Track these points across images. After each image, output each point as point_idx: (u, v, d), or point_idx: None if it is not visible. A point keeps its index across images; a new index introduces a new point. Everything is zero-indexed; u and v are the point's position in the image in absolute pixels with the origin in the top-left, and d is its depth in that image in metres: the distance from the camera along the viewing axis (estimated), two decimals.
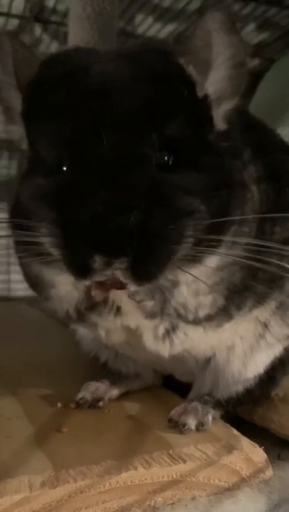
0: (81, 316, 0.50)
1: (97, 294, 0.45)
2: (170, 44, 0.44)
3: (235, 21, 0.43)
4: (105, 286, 0.43)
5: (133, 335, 0.50)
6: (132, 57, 0.43)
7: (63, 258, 0.39)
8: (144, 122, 0.39)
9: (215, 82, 0.44)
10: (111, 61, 0.42)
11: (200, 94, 0.43)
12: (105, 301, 0.48)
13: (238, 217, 0.43)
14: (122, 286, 0.42)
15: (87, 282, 0.43)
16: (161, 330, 0.50)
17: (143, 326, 0.50)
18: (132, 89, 0.40)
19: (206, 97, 0.44)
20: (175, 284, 0.45)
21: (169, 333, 0.50)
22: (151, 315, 0.48)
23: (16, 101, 0.45)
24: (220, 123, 0.45)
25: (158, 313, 0.47)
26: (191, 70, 0.43)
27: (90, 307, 0.49)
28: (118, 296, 0.46)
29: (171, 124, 0.40)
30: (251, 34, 1.23)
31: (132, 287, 0.42)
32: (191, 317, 0.47)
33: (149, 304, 0.46)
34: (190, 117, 0.42)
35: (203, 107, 0.43)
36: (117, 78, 0.41)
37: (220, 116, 0.45)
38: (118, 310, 0.48)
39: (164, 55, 0.43)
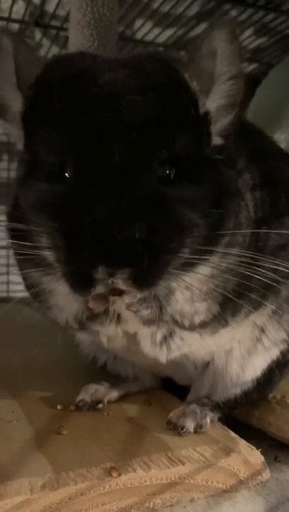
0: (82, 325, 0.51)
1: (95, 306, 0.45)
2: (175, 56, 0.43)
3: (239, 39, 0.43)
4: (103, 296, 0.44)
5: (132, 340, 0.51)
6: (140, 68, 0.43)
7: (63, 268, 0.39)
8: (153, 138, 0.40)
9: (215, 99, 0.44)
10: (118, 71, 0.43)
11: (202, 110, 0.43)
12: (106, 311, 0.48)
13: (230, 232, 0.44)
14: (120, 292, 0.42)
15: (84, 297, 0.43)
16: (158, 336, 0.50)
17: (141, 332, 0.50)
18: (141, 104, 0.40)
19: (206, 113, 0.44)
20: (170, 291, 0.46)
21: (166, 339, 0.51)
22: (148, 322, 0.48)
23: (15, 100, 0.45)
24: (216, 138, 0.45)
25: (155, 320, 0.48)
26: (194, 86, 0.43)
27: (90, 317, 0.49)
28: (118, 304, 0.47)
29: (177, 140, 0.41)
30: (249, 39, 1.24)
31: (128, 298, 0.42)
32: (186, 323, 0.48)
33: (146, 312, 0.47)
34: (193, 133, 0.42)
35: (203, 123, 0.44)
36: (125, 90, 0.41)
37: (216, 132, 0.45)
38: (119, 318, 0.49)
39: (171, 69, 0.43)
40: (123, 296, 0.43)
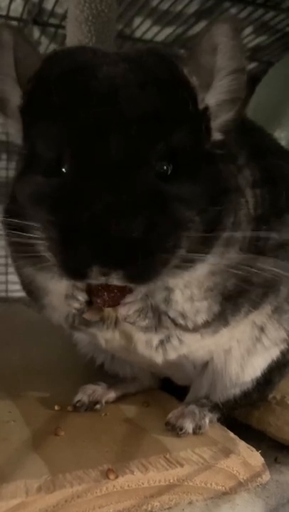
0: (73, 327, 0.50)
1: (90, 317, 0.45)
2: (175, 51, 0.43)
3: (241, 34, 0.43)
4: (99, 306, 0.44)
5: (130, 341, 0.50)
6: (139, 63, 0.43)
7: (58, 261, 0.38)
8: (151, 132, 0.39)
9: (216, 94, 0.43)
10: (117, 65, 0.42)
11: (201, 105, 0.43)
12: (102, 318, 0.47)
13: (228, 234, 0.43)
14: (115, 303, 0.42)
15: (80, 284, 0.43)
16: (155, 341, 0.50)
17: (138, 337, 0.50)
18: (140, 98, 0.40)
19: (206, 108, 0.43)
20: (169, 292, 0.46)
21: (163, 342, 0.50)
22: (146, 330, 0.48)
23: (14, 94, 0.44)
24: (216, 134, 0.45)
25: (153, 328, 0.47)
26: (194, 81, 0.42)
27: (85, 323, 0.48)
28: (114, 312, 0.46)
29: (175, 135, 0.40)
30: (248, 37, 1.24)
31: (124, 310, 0.43)
32: (190, 325, 0.47)
33: (143, 323, 0.46)
34: (192, 128, 0.42)
35: (203, 118, 0.43)
36: (125, 84, 0.40)
37: (217, 127, 0.45)
38: (116, 320, 0.48)
39: (171, 64, 0.43)
40: (118, 308, 0.44)
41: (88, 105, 0.39)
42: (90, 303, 0.45)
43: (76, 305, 0.45)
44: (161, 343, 0.50)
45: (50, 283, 0.46)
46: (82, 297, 0.45)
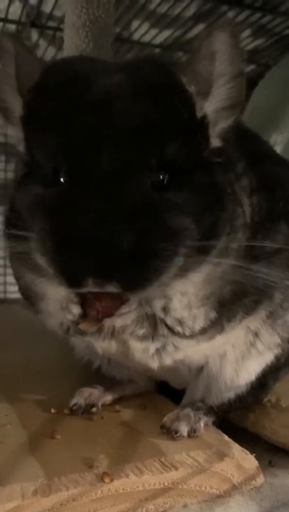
0: (68, 335, 0.51)
1: (87, 327, 0.45)
2: (173, 60, 0.43)
3: (239, 40, 0.43)
4: (95, 317, 0.44)
5: (127, 347, 0.51)
6: (136, 72, 0.43)
7: (55, 271, 0.39)
8: (144, 142, 0.40)
9: (214, 102, 0.44)
10: (114, 75, 0.42)
11: (199, 114, 0.43)
12: (100, 328, 0.47)
13: (224, 239, 0.44)
14: (108, 313, 0.42)
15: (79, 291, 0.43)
16: (151, 350, 0.50)
17: (134, 346, 0.50)
18: (133, 108, 0.40)
19: (204, 117, 0.44)
20: (167, 301, 0.46)
21: (159, 350, 0.50)
22: (143, 338, 0.48)
23: (16, 104, 0.45)
24: (215, 141, 0.45)
25: (150, 336, 0.48)
26: (192, 90, 0.43)
27: (81, 333, 0.49)
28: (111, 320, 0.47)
29: (169, 146, 0.40)
30: (246, 40, 1.24)
31: (120, 321, 0.44)
32: (188, 332, 0.48)
33: (140, 332, 0.47)
34: (188, 137, 0.42)
35: (201, 126, 0.43)
36: (119, 94, 0.41)
37: (216, 134, 0.45)
38: (113, 331, 0.48)
39: (168, 73, 0.43)
40: (115, 319, 0.44)
41: (83, 116, 0.40)
42: (84, 315, 0.46)
43: (70, 317, 0.46)
44: (157, 350, 0.50)
45: (47, 289, 0.47)
46: (75, 310, 0.46)
